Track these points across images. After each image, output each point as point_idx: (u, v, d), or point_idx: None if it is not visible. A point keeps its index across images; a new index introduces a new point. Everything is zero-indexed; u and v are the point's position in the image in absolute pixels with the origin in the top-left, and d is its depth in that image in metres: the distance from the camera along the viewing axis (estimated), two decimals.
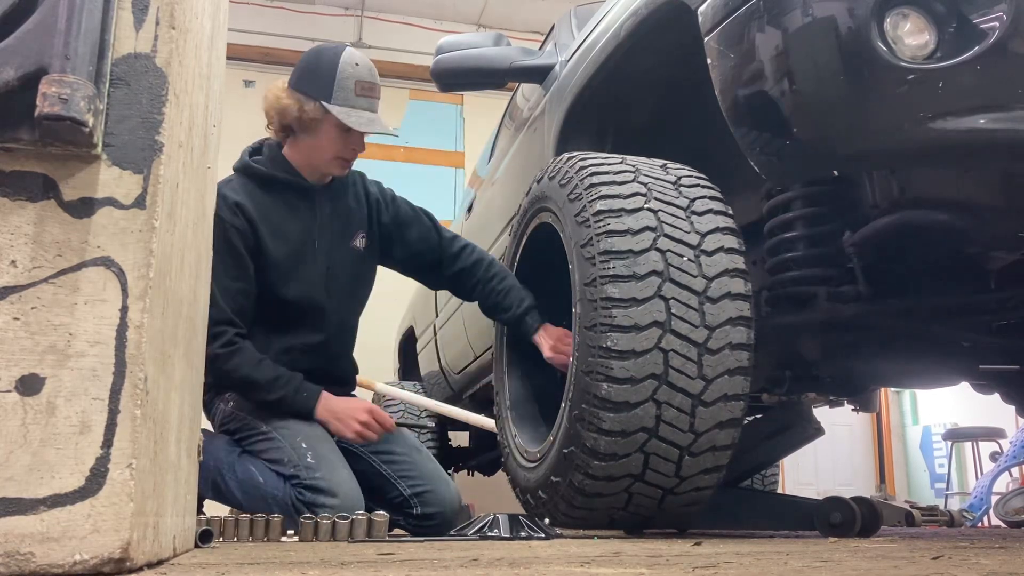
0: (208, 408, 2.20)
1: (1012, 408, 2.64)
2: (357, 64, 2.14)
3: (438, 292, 4.44)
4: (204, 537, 1.32)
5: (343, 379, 2.35)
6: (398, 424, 2.19)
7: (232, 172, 2.22)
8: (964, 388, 2.57)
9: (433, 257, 2.34)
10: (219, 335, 1.99)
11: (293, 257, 2.17)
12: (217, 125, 1.40)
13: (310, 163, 2.20)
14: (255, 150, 2.26)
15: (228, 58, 1.61)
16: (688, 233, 1.63)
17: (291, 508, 1.95)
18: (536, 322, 2.11)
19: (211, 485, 2.09)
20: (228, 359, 2.01)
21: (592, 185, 1.71)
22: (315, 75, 2.12)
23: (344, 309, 2.27)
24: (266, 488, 2.01)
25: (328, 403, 2.12)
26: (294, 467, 2.00)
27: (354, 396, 2.35)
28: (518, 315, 2.13)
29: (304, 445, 2.03)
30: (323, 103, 2.10)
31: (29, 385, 0.82)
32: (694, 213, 1.67)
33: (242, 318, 2.08)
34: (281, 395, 2.06)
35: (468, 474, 5.25)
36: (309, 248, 2.20)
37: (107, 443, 0.82)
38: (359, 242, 2.29)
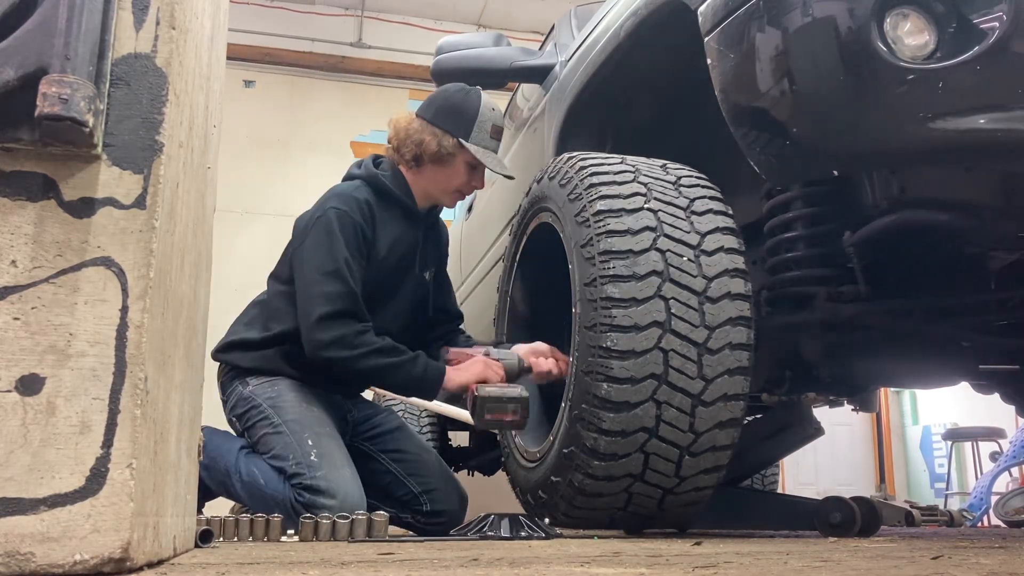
0: (224, 388, 2.25)
1: (1012, 408, 2.64)
2: (494, 109, 2.30)
3: None
4: (204, 537, 1.32)
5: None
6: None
7: (353, 179, 2.31)
8: (964, 388, 2.57)
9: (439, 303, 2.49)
10: (357, 318, 2.07)
11: (399, 269, 2.28)
12: (217, 125, 1.40)
13: (429, 191, 2.32)
14: (376, 163, 2.36)
15: (228, 58, 1.61)
16: (688, 233, 1.63)
17: (290, 509, 1.96)
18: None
19: (221, 485, 2.13)
20: (368, 335, 2.07)
21: (592, 185, 1.71)
22: (457, 114, 2.26)
23: (411, 330, 2.35)
24: (267, 490, 2.04)
25: (452, 378, 2.14)
26: (296, 464, 2.02)
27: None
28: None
29: (310, 442, 2.06)
30: (461, 140, 2.24)
31: (29, 385, 0.82)
32: (694, 213, 1.67)
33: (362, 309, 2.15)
34: (416, 355, 2.10)
35: (468, 474, 5.25)
36: (411, 265, 2.32)
37: (107, 443, 0.82)
38: (428, 275, 2.41)
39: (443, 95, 2.33)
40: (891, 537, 1.91)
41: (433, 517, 2.22)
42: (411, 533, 2.23)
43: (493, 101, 2.33)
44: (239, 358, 2.23)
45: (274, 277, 2.32)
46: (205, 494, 2.16)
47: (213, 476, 2.12)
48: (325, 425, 2.13)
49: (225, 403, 2.25)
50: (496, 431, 2.33)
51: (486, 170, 2.31)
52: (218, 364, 2.29)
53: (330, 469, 2.02)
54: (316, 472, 2.00)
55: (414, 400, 3.64)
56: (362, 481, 2.07)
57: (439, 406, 3.45)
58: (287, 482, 2.02)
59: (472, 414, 1.95)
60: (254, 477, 2.06)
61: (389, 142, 2.33)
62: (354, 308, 2.06)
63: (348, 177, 2.33)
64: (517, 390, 1.90)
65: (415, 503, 2.23)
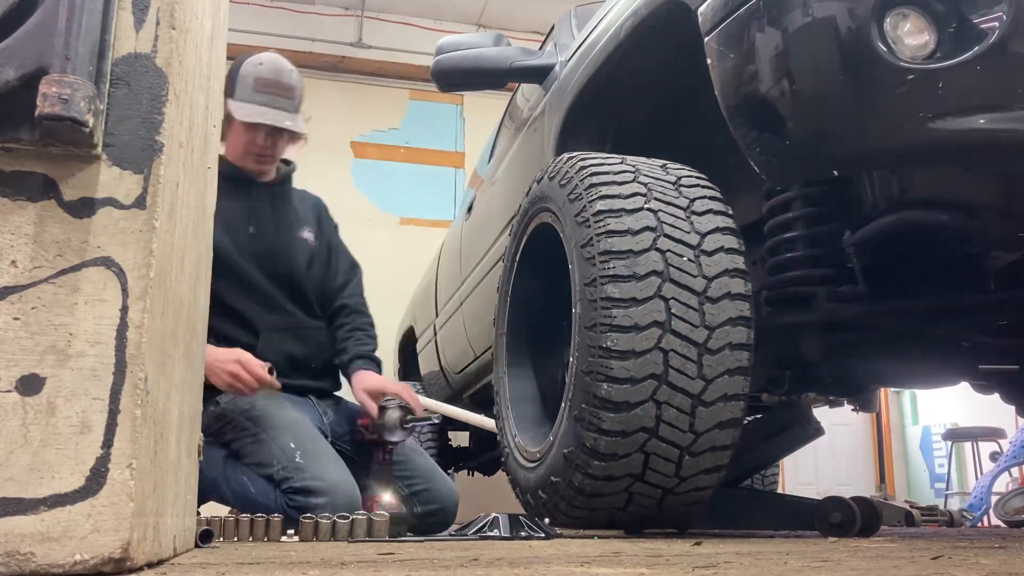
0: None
1: (1012, 408, 2.64)
2: (261, 63, 2.27)
3: (438, 292, 4.44)
4: (204, 537, 1.32)
5: (324, 389, 2.42)
6: (407, 421, 2.19)
7: None
8: (964, 388, 2.57)
9: (335, 281, 2.51)
10: None
11: (230, 236, 2.25)
12: (217, 125, 1.40)
13: (233, 157, 2.33)
14: None
15: (228, 58, 1.61)
16: (688, 233, 1.63)
17: (284, 512, 1.96)
18: (356, 367, 2.32)
19: (212, 491, 2.12)
20: None
21: (592, 185, 1.71)
22: (228, 77, 2.25)
23: (295, 292, 2.34)
24: (259, 499, 2.03)
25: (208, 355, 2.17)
26: (283, 469, 2.01)
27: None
28: (344, 361, 2.35)
29: (292, 445, 2.05)
30: (228, 99, 2.23)
31: (29, 385, 0.82)
32: (694, 213, 1.67)
33: None
34: None
35: (468, 474, 5.25)
36: (243, 230, 2.30)
37: (107, 443, 0.82)
38: (307, 234, 2.41)
39: None
40: (891, 537, 1.91)
41: (425, 518, 2.23)
42: (409, 533, 2.23)
43: (271, 57, 2.30)
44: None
45: None
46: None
47: (204, 484, 2.11)
48: (304, 426, 2.12)
49: (204, 430, 2.24)
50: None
51: (255, 109, 2.26)
52: None
53: (317, 468, 2.01)
54: (303, 474, 1.99)
55: (430, 403, 3.63)
56: (375, 491, 2.07)
57: (440, 406, 3.45)
58: (276, 489, 2.01)
59: None
60: (244, 486, 2.05)
61: None
62: None
63: None
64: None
65: (405, 506, 2.23)
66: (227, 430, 2.14)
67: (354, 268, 2.58)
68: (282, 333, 2.28)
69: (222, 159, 2.30)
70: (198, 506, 2.14)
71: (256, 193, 2.36)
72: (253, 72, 2.25)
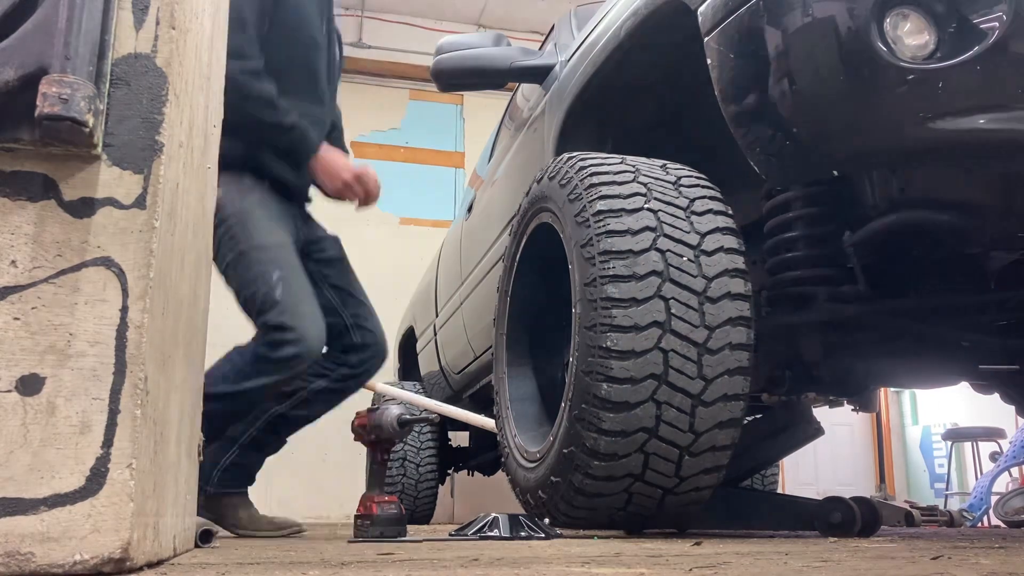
0: None
1: (1012, 408, 2.64)
2: None
3: (438, 292, 4.44)
4: (204, 537, 1.33)
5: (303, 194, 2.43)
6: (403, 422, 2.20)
7: None
8: (964, 388, 2.57)
9: None
10: (253, 56, 2.08)
11: (302, 24, 2.26)
12: (217, 125, 1.40)
13: None
14: None
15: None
16: (688, 233, 1.63)
17: (260, 359, 2.03)
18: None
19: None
20: (258, 78, 2.09)
21: (592, 185, 1.71)
22: None
23: (332, 91, 2.38)
24: (238, 367, 2.06)
25: (325, 153, 2.23)
26: (263, 299, 2.05)
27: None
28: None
29: (275, 276, 2.08)
30: None
31: (29, 385, 0.82)
32: (694, 213, 1.67)
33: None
34: (294, 122, 2.14)
35: (468, 474, 5.25)
36: (316, 20, 2.30)
37: (107, 443, 0.82)
38: (333, 24, 2.43)
39: None
40: (891, 537, 1.91)
41: (359, 352, 2.29)
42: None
43: None
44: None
45: None
46: None
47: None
48: (290, 254, 2.15)
49: None
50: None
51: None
52: None
53: (294, 307, 2.06)
54: (281, 311, 2.04)
55: (421, 401, 3.63)
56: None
57: (440, 406, 3.45)
58: (256, 319, 2.04)
59: None
60: (224, 372, 2.07)
61: None
62: (243, 37, 2.03)
63: None
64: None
65: (345, 335, 2.29)
66: (220, 238, 2.12)
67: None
68: (314, 124, 2.30)
69: None
70: None
71: None
72: None
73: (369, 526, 1.94)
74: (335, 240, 2.43)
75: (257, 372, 2.04)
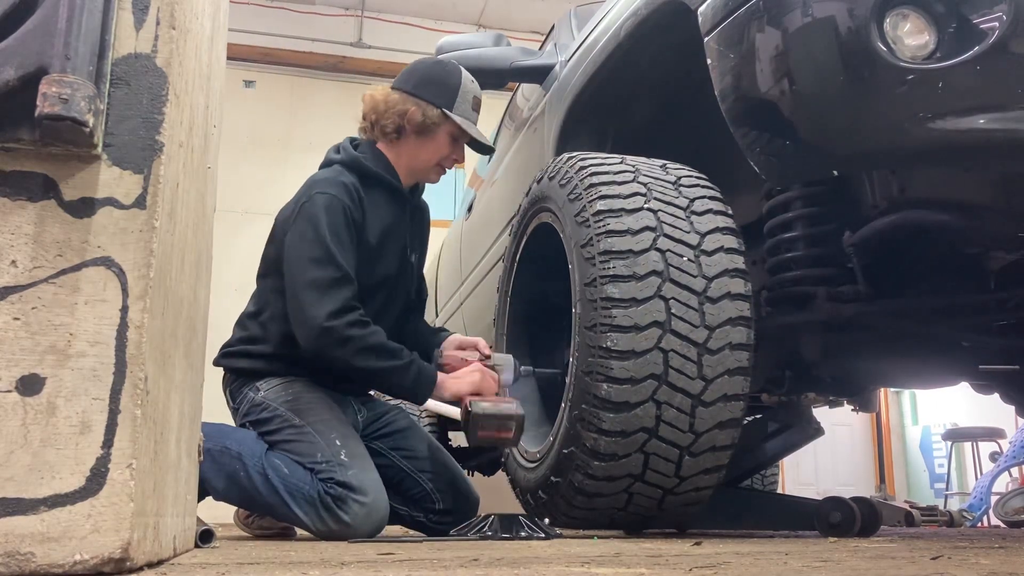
0: (235, 396, 2.17)
1: (1012, 408, 2.64)
2: (473, 81, 2.28)
3: (438, 292, 4.44)
4: (204, 537, 1.32)
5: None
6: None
7: (332, 164, 2.25)
8: (964, 388, 2.57)
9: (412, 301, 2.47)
10: (354, 308, 2.01)
11: (389, 252, 2.23)
12: (217, 125, 1.40)
13: (412, 167, 2.27)
14: (354, 144, 2.30)
15: (228, 58, 1.61)
16: (688, 233, 1.63)
17: (317, 500, 1.91)
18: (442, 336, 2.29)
19: (228, 476, 2.01)
20: (364, 327, 2.00)
21: (592, 185, 1.71)
22: (440, 84, 2.23)
23: (397, 314, 2.31)
24: (292, 480, 1.95)
25: (445, 386, 2.07)
26: (327, 463, 1.96)
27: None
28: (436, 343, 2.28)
29: (338, 442, 2.00)
30: (446, 110, 2.21)
31: (29, 385, 0.82)
32: (694, 213, 1.67)
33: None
34: (410, 360, 2.03)
35: (468, 474, 5.25)
36: (401, 247, 2.27)
37: (107, 443, 0.82)
38: (415, 258, 2.37)
39: (422, 67, 2.29)
40: (891, 537, 1.91)
41: (445, 515, 2.18)
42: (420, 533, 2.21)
43: (470, 74, 2.31)
44: (245, 363, 2.16)
45: (261, 276, 2.24)
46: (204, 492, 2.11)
47: (221, 466, 2.00)
48: (348, 427, 2.08)
49: (236, 411, 2.17)
50: (490, 447, 2.27)
51: (478, 130, 2.27)
52: (223, 371, 2.22)
53: (361, 470, 1.96)
54: (348, 471, 1.94)
55: (429, 404, 3.63)
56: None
57: (440, 406, 3.45)
58: (314, 476, 1.95)
59: (465, 430, 1.91)
60: (277, 467, 1.98)
61: (365, 118, 2.27)
62: (345, 296, 1.98)
63: (326, 163, 2.27)
64: (512, 406, 1.85)
65: (427, 500, 2.19)
66: (267, 418, 2.07)
67: (423, 280, 2.53)
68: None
69: (383, 159, 2.25)
70: (208, 496, 2.02)
71: (406, 204, 2.30)
72: (472, 90, 2.25)
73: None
74: (398, 410, 2.36)
75: (306, 510, 1.94)
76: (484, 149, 2.33)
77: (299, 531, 2.17)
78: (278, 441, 2.05)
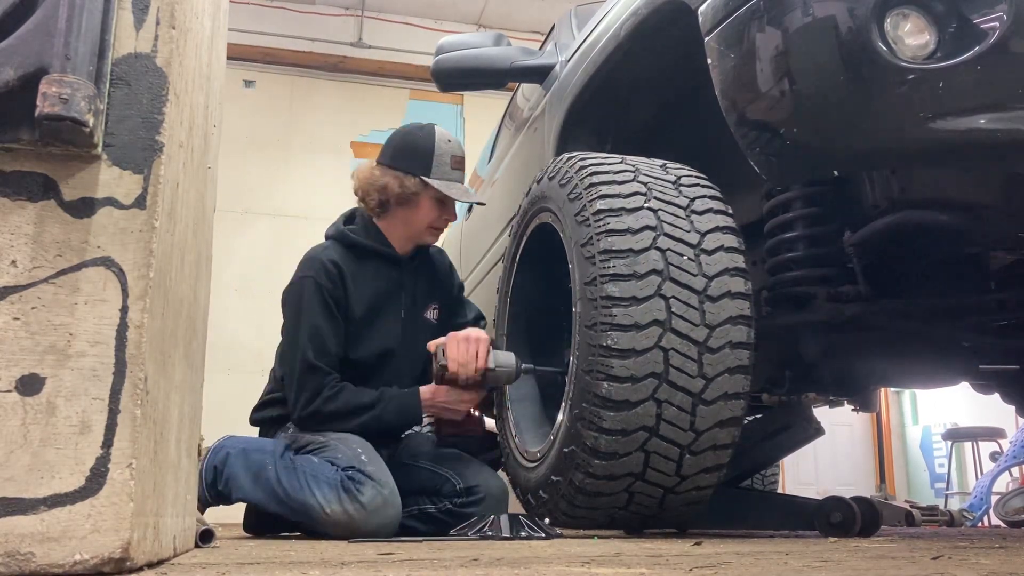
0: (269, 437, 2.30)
1: (1012, 408, 2.64)
2: (449, 140, 2.35)
3: None
4: (204, 537, 1.32)
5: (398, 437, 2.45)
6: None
7: (326, 239, 2.36)
8: (964, 388, 2.57)
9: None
10: (324, 387, 2.15)
11: (379, 320, 2.31)
12: (217, 125, 1.40)
13: (405, 234, 2.36)
14: (348, 219, 2.41)
15: (228, 58, 1.61)
16: (688, 232, 1.63)
17: (338, 484, 1.99)
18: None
19: (255, 473, 2.11)
20: (336, 398, 2.15)
21: (592, 185, 1.71)
22: (413, 152, 2.32)
23: (412, 375, 2.36)
24: (316, 466, 2.04)
25: (429, 400, 2.21)
26: (348, 461, 2.05)
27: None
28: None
29: (359, 449, 2.09)
30: (423, 178, 2.29)
31: (29, 385, 0.82)
32: (694, 212, 1.67)
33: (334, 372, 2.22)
34: (383, 405, 2.16)
35: None
36: (393, 314, 2.34)
37: (107, 443, 0.82)
38: (431, 313, 2.44)
39: (398, 136, 2.39)
40: (891, 537, 1.91)
41: (469, 494, 2.23)
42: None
43: (447, 132, 2.38)
44: (276, 411, 2.28)
45: (282, 338, 2.34)
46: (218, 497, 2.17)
47: (245, 468, 2.11)
48: (368, 444, 2.15)
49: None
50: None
51: (460, 188, 2.34)
52: (259, 427, 2.36)
53: (379, 468, 2.05)
54: (367, 466, 2.03)
55: None
56: (399, 487, 2.08)
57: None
58: (338, 469, 2.04)
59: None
60: (302, 462, 2.07)
61: (356, 193, 2.37)
62: (315, 383, 2.13)
63: (326, 236, 2.38)
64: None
65: (448, 486, 2.25)
66: (296, 447, 2.17)
67: (477, 321, 2.55)
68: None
69: (376, 231, 2.34)
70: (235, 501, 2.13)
71: (403, 270, 2.38)
72: (448, 150, 2.32)
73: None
74: (418, 436, 2.43)
75: (325, 492, 2.00)
76: (475, 203, 2.40)
77: (298, 531, 2.17)
78: (305, 452, 2.15)
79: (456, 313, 2.49)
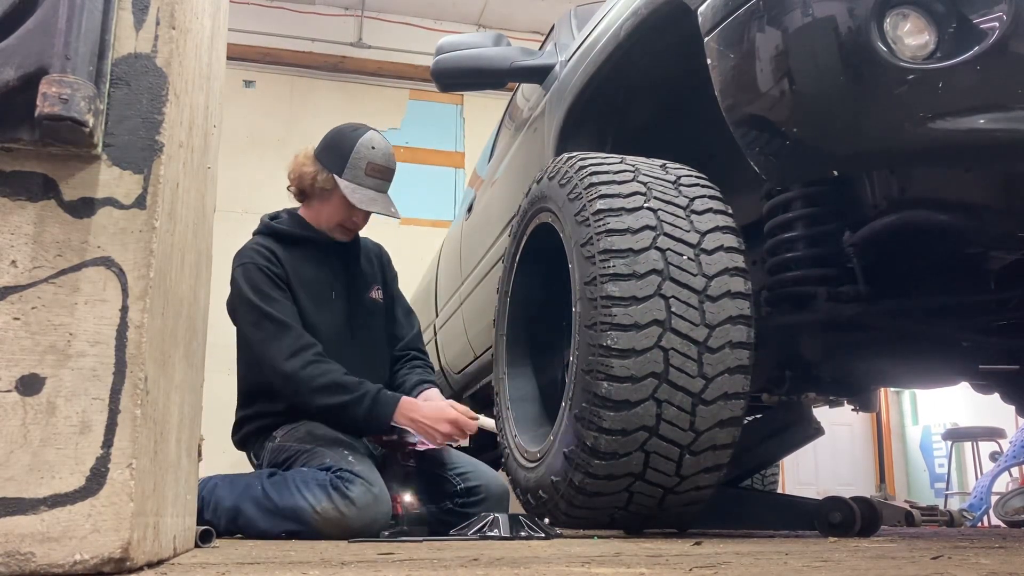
0: (258, 455, 2.29)
1: (1012, 408, 2.64)
2: (374, 147, 2.37)
3: (438, 292, 4.44)
4: (204, 537, 1.32)
5: None
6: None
7: (253, 236, 2.40)
8: (964, 388, 2.57)
9: (394, 333, 2.57)
10: (308, 346, 2.15)
11: (316, 302, 2.33)
12: (217, 125, 1.40)
13: (321, 225, 2.42)
14: (273, 216, 2.47)
15: (228, 58, 1.61)
16: (688, 232, 1.63)
17: (327, 483, 1.97)
18: (421, 389, 2.38)
19: (241, 490, 2.07)
20: (320, 365, 2.14)
21: (592, 184, 1.71)
22: (335, 149, 2.36)
23: (369, 354, 2.39)
24: (303, 473, 2.03)
25: (408, 410, 2.19)
26: (335, 464, 2.04)
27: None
28: (410, 383, 2.41)
29: (345, 451, 2.09)
30: (335, 176, 2.33)
31: (29, 385, 0.82)
32: (694, 212, 1.67)
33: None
34: (363, 392, 2.14)
35: None
36: (327, 296, 2.37)
37: (107, 443, 0.82)
38: (375, 294, 2.48)
39: (334, 131, 2.44)
40: (891, 537, 1.91)
41: (470, 495, 2.24)
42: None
43: (380, 141, 2.40)
44: (256, 424, 2.28)
45: (240, 347, 2.34)
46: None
47: (236, 486, 2.08)
48: (355, 447, 2.15)
49: (260, 467, 2.27)
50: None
51: (367, 195, 2.34)
52: (243, 446, 2.35)
53: (367, 469, 2.05)
54: (355, 467, 2.03)
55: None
56: (396, 488, 2.09)
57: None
58: (325, 471, 2.03)
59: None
60: (291, 475, 2.06)
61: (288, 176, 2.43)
62: (291, 340, 2.13)
63: (252, 235, 2.42)
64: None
65: (448, 486, 2.25)
66: (284, 458, 2.17)
67: (409, 316, 2.61)
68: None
69: (299, 219, 2.40)
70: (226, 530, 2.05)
71: (332, 254, 2.42)
72: (368, 156, 2.34)
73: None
74: (407, 434, 2.40)
75: (314, 492, 1.98)
76: (386, 214, 2.39)
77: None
78: (293, 465, 2.14)
79: (392, 309, 2.53)
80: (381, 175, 2.37)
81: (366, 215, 2.41)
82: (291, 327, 2.16)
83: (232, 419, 2.37)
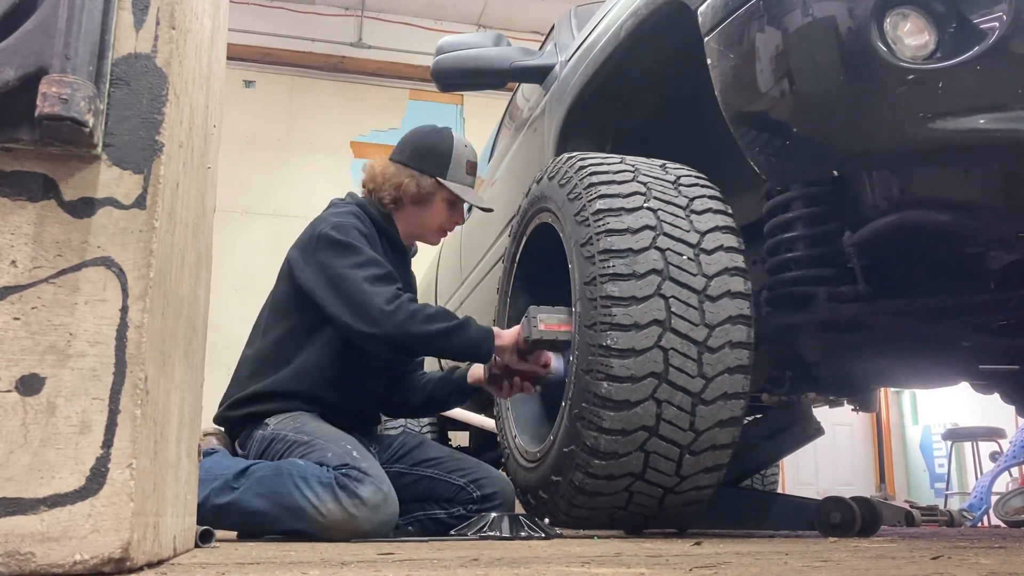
0: (244, 444, 2.13)
1: (1012, 408, 2.64)
2: (466, 146, 2.37)
3: (437, 292, 4.44)
4: (204, 537, 1.32)
5: (374, 419, 2.41)
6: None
7: (346, 199, 2.34)
8: (964, 388, 2.57)
9: None
10: (401, 293, 2.06)
11: None
12: (217, 125, 1.40)
13: (413, 232, 2.38)
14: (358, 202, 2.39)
15: (228, 58, 1.61)
16: (687, 232, 1.63)
17: (333, 482, 1.84)
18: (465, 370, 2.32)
19: (224, 482, 1.93)
20: (417, 304, 2.05)
21: (591, 184, 1.71)
22: (432, 153, 2.33)
23: (375, 368, 2.31)
24: (306, 468, 1.89)
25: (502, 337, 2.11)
26: (339, 460, 1.91)
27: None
28: (453, 378, 2.35)
29: (348, 446, 1.96)
30: (439, 179, 2.30)
31: (29, 385, 0.82)
32: (693, 212, 1.67)
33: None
34: (466, 318, 2.07)
35: None
36: None
37: (107, 443, 0.82)
38: None
39: (416, 136, 2.38)
40: (891, 537, 1.91)
41: (486, 502, 2.18)
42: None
43: (464, 138, 2.40)
44: (254, 407, 2.13)
45: (272, 322, 2.23)
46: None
47: (227, 484, 1.93)
48: (356, 441, 2.04)
49: (247, 456, 2.10)
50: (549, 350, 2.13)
51: (473, 193, 2.35)
52: (227, 427, 2.20)
53: (374, 466, 1.93)
54: (361, 463, 1.90)
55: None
56: (402, 495, 1.98)
57: (466, 414, 3.44)
58: (330, 468, 1.90)
59: (527, 335, 1.95)
60: (290, 462, 1.93)
61: (364, 186, 2.35)
62: (394, 287, 2.04)
63: (331, 206, 2.32)
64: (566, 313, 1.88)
65: (463, 494, 2.19)
66: (278, 448, 2.04)
67: None
68: (368, 395, 2.29)
69: (391, 223, 2.33)
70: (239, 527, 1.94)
71: (399, 257, 2.37)
72: (465, 155, 2.33)
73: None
74: (406, 434, 2.40)
75: (319, 492, 1.85)
76: (483, 209, 2.43)
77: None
78: (285, 456, 2.01)
79: None
80: (475, 171, 2.37)
81: (464, 215, 2.40)
82: (395, 278, 2.08)
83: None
